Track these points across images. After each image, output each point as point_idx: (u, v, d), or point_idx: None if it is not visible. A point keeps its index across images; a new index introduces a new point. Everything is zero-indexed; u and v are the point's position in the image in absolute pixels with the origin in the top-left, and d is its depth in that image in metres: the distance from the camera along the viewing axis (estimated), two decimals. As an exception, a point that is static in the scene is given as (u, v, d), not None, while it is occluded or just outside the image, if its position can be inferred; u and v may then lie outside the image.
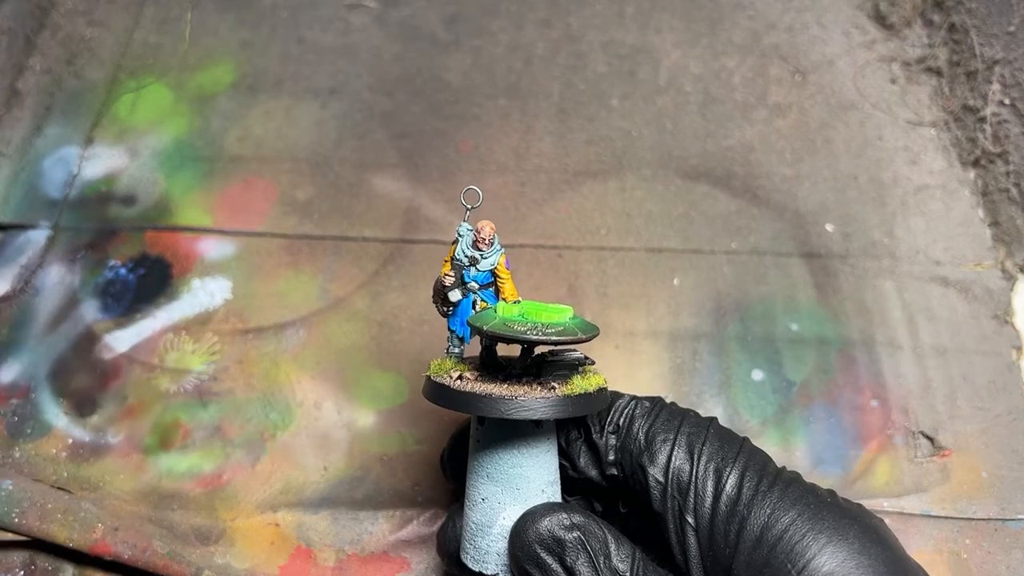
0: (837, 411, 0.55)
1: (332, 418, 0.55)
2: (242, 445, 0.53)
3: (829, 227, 0.64)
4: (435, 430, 0.54)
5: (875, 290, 0.61)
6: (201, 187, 0.64)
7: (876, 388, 0.56)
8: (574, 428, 0.42)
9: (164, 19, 0.74)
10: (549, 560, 0.36)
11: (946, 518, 0.51)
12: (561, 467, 0.41)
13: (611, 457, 0.41)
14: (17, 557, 0.49)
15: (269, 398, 0.55)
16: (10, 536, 0.48)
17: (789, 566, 0.34)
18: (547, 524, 0.36)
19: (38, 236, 0.61)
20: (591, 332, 0.37)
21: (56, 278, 0.59)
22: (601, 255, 0.62)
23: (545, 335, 0.36)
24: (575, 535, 0.36)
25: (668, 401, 0.42)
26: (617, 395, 0.42)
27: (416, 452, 0.53)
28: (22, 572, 0.48)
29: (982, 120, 0.65)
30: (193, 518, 0.50)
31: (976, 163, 0.66)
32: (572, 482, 0.42)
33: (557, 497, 0.40)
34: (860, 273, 0.61)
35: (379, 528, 0.50)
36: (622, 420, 0.41)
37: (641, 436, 0.40)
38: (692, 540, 0.37)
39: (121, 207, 0.63)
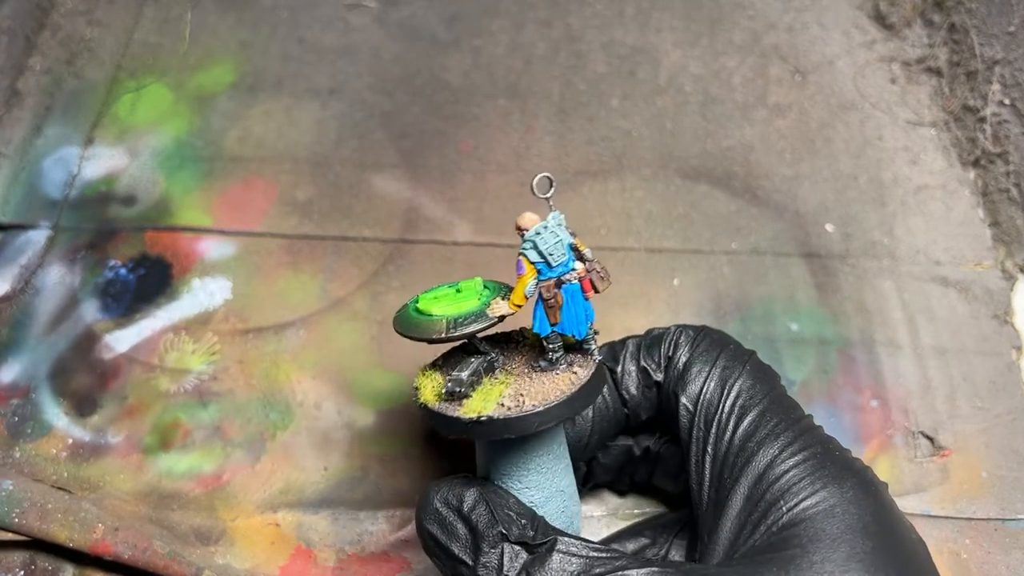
0: (837, 411, 0.55)
1: (332, 418, 0.55)
2: (242, 445, 0.53)
3: (829, 227, 0.64)
4: (435, 430, 0.54)
5: (875, 290, 0.61)
6: (201, 187, 0.64)
7: (876, 388, 0.56)
8: (635, 371, 0.43)
9: (164, 19, 0.74)
10: (448, 514, 0.36)
11: (946, 518, 0.51)
12: (618, 412, 0.43)
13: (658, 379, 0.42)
14: (17, 557, 0.49)
15: (269, 398, 0.55)
16: (10, 536, 0.48)
17: (781, 503, 0.34)
18: (448, 483, 0.37)
19: (38, 236, 0.61)
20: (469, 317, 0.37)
21: (56, 278, 0.59)
22: (601, 255, 0.61)
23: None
24: (474, 489, 0.36)
25: (714, 329, 0.43)
26: (662, 330, 0.43)
27: (416, 452, 0.53)
28: (22, 572, 0.48)
29: (982, 120, 0.65)
30: (193, 518, 0.50)
31: (976, 163, 0.66)
32: (632, 426, 0.44)
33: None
34: (860, 273, 0.61)
35: (379, 528, 0.50)
36: (670, 351, 0.42)
37: (680, 364, 0.41)
38: (708, 472, 0.38)
39: (121, 207, 0.63)
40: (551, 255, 0.36)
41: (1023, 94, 0.63)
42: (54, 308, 0.58)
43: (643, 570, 0.33)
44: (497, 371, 0.39)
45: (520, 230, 0.36)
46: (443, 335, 0.37)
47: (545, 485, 0.39)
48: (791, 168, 0.67)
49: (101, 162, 0.65)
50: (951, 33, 0.70)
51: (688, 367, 0.40)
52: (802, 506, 0.34)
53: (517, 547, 0.34)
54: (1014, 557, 0.49)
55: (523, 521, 0.35)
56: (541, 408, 0.36)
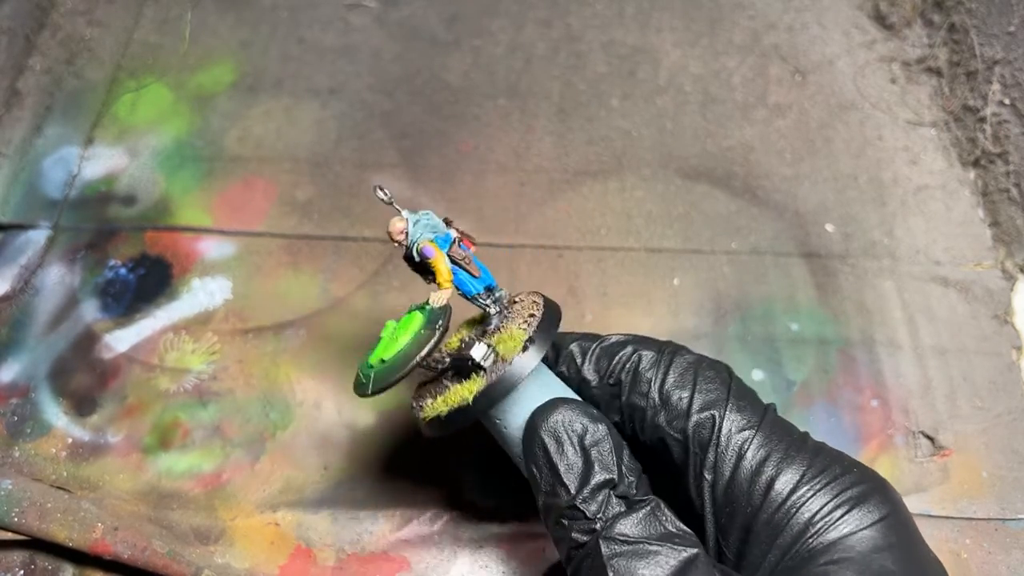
0: (837, 411, 0.55)
1: (332, 418, 0.55)
2: (242, 445, 0.53)
3: (829, 227, 0.64)
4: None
5: (875, 290, 0.60)
6: (201, 187, 0.64)
7: (876, 388, 0.56)
8: (575, 377, 0.42)
9: (164, 19, 0.74)
10: (568, 436, 0.36)
11: (946, 518, 0.51)
12: None
13: (616, 404, 0.41)
14: (17, 556, 0.49)
15: (269, 398, 0.55)
16: (10, 535, 0.48)
17: (810, 527, 0.34)
18: (579, 409, 0.37)
19: (38, 236, 0.61)
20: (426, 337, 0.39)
21: (56, 278, 0.59)
22: (601, 255, 0.62)
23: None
24: (602, 426, 0.37)
25: (675, 344, 0.41)
26: (616, 344, 0.41)
27: (416, 452, 0.53)
28: (22, 571, 0.48)
29: (982, 120, 0.65)
30: (193, 518, 0.50)
31: (976, 163, 0.66)
32: None
33: None
34: (860, 273, 0.61)
35: (379, 528, 0.50)
36: (624, 374, 0.40)
37: (654, 394, 0.39)
38: (708, 495, 0.37)
39: (121, 207, 0.63)
40: (437, 229, 0.41)
41: (1023, 94, 0.63)
42: (54, 308, 0.58)
43: (702, 552, 0.34)
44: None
45: (399, 233, 0.41)
46: (432, 343, 0.38)
47: None
48: (791, 168, 0.67)
49: (101, 162, 0.65)
50: (951, 33, 0.70)
51: (667, 397, 0.39)
52: (832, 529, 0.34)
53: (619, 500, 0.35)
54: (1014, 557, 0.49)
55: (631, 477, 0.36)
56: (546, 309, 0.41)
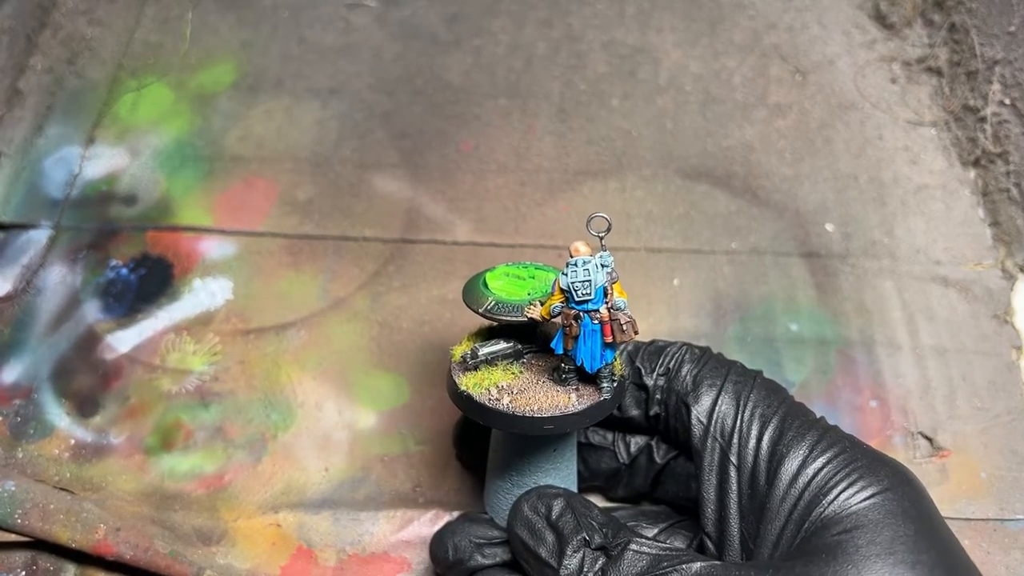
0: (836, 411, 0.55)
1: (333, 419, 0.55)
2: (243, 446, 0.53)
3: (829, 227, 0.64)
4: (436, 431, 0.54)
5: (875, 290, 0.61)
6: (202, 187, 0.64)
7: (875, 388, 0.56)
8: (627, 368, 0.44)
9: (165, 19, 0.74)
10: (539, 522, 0.39)
11: (945, 518, 0.51)
12: None
13: (658, 396, 0.43)
14: (19, 557, 0.49)
15: (270, 399, 0.55)
16: (12, 537, 0.48)
17: (821, 498, 0.35)
18: (538, 492, 0.40)
19: (39, 236, 0.61)
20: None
21: (57, 278, 0.59)
22: (601, 255, 0.62)
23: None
24: (562, 499, 0.39)
25: (715, 352, 0.44)
26: (666, 343, 0.45)
27: (417, 453, 0.54)
28: (24, 572, 0.49)
29: (982, 120, 0.65)
30: (195, 518, 0.50)
31: (976, 163, 0.66)
32: (611, 420, 0.45)
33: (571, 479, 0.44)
34: (860, 273, 0.61)
35: (380, 529, 0.50)
36: (672, 363, 0.43)
37: (689, 379, 0.42)
38: (734, 482, 0.38)
39: (122, 207, 0.63)
40: (575, 291, 0.36)
41: (1023, 94, 0.63)
42: (56, 308, 0.58)
43: (705, 563, 0.35)
44: (520, 362, 0.41)
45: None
46: (479, 311, 0.39)
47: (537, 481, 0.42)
48: (791, 168, 0.67)
49: (102, 161, 0.65)
50: (951, 33, 0.70)
51: (698, 382, 0.41)
52: (842, 498, 0.35)
53: (597, 552, 0.37)
54: (1013, 557, 0.50)
55: (604, 529, 0.38)
56: (507, 411, 0.38)
